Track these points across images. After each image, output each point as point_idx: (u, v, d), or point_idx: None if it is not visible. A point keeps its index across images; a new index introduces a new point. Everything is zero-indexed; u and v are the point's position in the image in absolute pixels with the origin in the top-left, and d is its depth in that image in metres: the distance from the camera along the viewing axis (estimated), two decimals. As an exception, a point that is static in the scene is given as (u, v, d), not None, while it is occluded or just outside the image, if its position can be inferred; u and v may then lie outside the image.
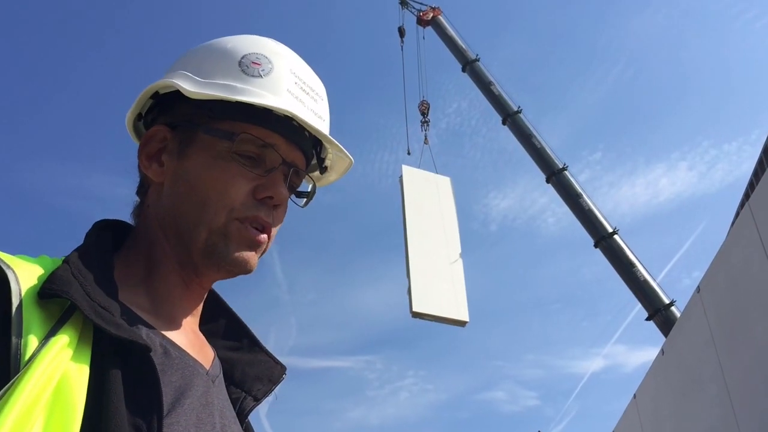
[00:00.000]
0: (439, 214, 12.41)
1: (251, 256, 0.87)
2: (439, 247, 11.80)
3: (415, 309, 10.53)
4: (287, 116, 0.89)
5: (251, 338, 0.98)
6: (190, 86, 0.88)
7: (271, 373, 0.95)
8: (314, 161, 1.00)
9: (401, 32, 17.87)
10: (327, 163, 1.01)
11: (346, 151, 0.97)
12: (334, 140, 0.93)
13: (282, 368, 0.97)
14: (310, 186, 1.02)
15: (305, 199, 1.00)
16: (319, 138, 0.93)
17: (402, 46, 17.79)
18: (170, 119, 0.91)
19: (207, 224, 0.85)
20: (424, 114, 16.94)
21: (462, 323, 11.03)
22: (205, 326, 0.96)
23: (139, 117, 0.96)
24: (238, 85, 0.88)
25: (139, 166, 0.93)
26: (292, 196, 0.96)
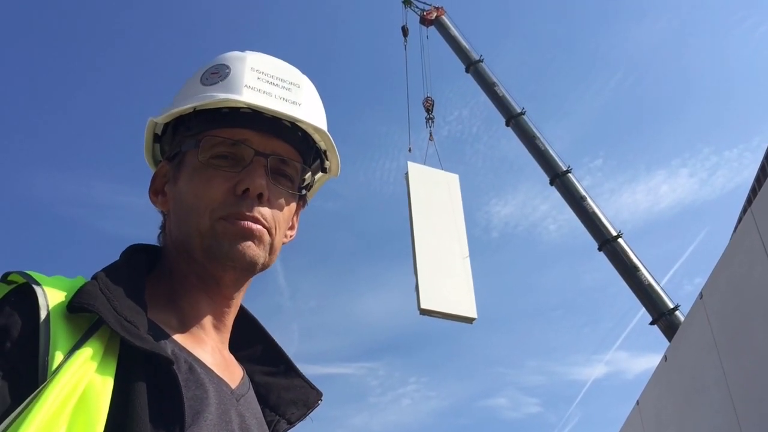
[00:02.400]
0: (446, 210, 12.24)
1: (247, 246, 0.88)
2: (446, 243, 11.65)
3: (423, 306, 10.39)
4: (257, 111, 0.91)
5: (288, 364, 1.00)
6: (159, 114, 0.94)
7: (306, 398, 0.98)
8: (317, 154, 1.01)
9: (404, 31, 17.77)
10: (323, 146, 1.02)
11: (316, 124, 0.97)
12: (301, 117, 0.94)
13: (318, 394, 0.99)
14: (317, 176, 1.04)
15: (308, 191, 1.02)
16: (286, 119, 0.94)
17: (405, 45, 17.71)
18: (169, 152, 0.97)
19: (197, 230, 0.88)
20: (428, 110, 16.77)
21: (470, 320, 10.89)
22: (242, 352, 0.98)
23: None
24: (196, 96, 0.92)
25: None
26: (299, 188, 0.97)
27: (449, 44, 15.52)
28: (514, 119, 12.83)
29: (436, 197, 12.35)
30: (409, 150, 16.16)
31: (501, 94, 13.35)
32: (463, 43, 15.08)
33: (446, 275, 11.07)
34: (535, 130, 12.54)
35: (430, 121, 16.61)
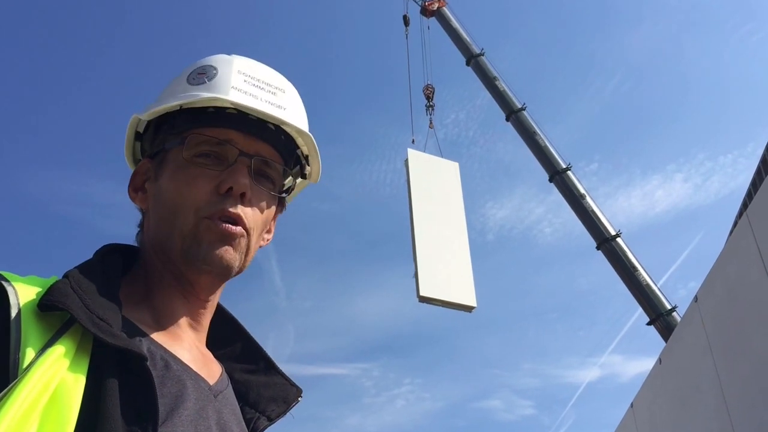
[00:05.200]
0: (446, 198, 12.03)
1: (225, 251, 0.89)
2: (446, 231, 11.46)
3: (422, 293, 10.23)
4: (242, 112, 0.92)
5: (267, 361, 1.01)
6: (143, 112, 0.94)
7: (286, 395, 0.98)
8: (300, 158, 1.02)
9: (406, 20, 17.60)
10: (305, 150, 1.02)
11: (299, 126, 0.97)
12: (284, 119, 0.95)
13: (297, 390, 0.99)
14: (297, 181, 1.05)
15: (288, 194, 1.02)
16: (269, 120, 0.95)
17: (406, 35, 17.56)
18: (151, 150, 0.97)
19: (179, 230, 0.88)
20: (429, 98, 16.65)
21: (469, 308, 10.76)
22: (222, 350, 0.99)
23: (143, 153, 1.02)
24: (182, 94, 0.92)
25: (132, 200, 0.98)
26: (279, 191, 0.98)
27: (450, 36, 15.42)
28: (514, 114, 12.75)
29: (435, 185, 12.13)
30: (413, 141, 15.98)
31: (502, 89, 13.27)
32: (464, 35, 14.99)
33: (446, 263, 10.90)
34: (535, 125, 12.50)
35: (430, 108, 16.45)
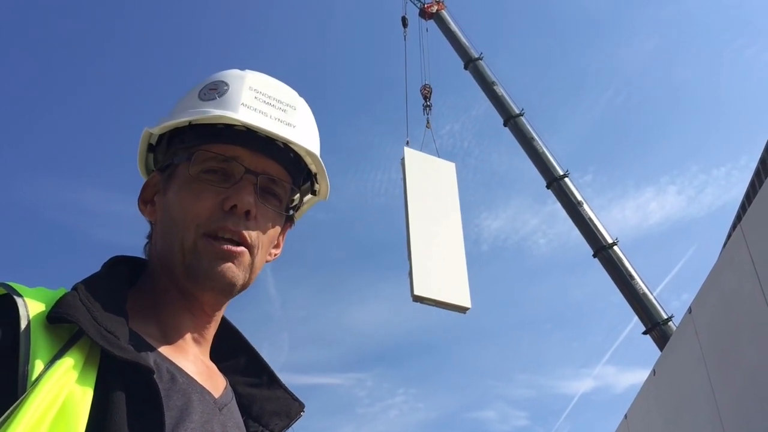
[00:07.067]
0: (442, 198, 12.00)
1: (227, 268, 0.88)
2: (441, 231, 11.42)
3: (416, 292, 10.16)
4: (251, 129, 0.92)
5: (270, 375, 1.01)
6: (155, 126, 0.95)
7: (288, 409, 0.99)
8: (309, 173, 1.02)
9: (404, 22, 17.53)
10: (314, 169, 1.03)
11: (308, 147, 0.97)
12: (293, 140, 0.95)
13: (300, 405, 1.00)
14: (306, 198, 1.05)
15: (296, 211, 1.03)
16: (276, 139, 0.94)
17: (405, 36, 17.48)
18: (163, 162, 0.97)
19: (181, 245, 0.88)
20: (426, 98, 16.52)
21: (463, 309, 10.73)
22: (225, 363, 0.99)
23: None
24: (193, 110, 0.93)
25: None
26: (287, 208, 0.98)
27: (448, 39, 15.36)
28: (512, 120, 12.68)
29: (432, 184, 12.06)
30: (407, 143, 15.94)
31: (500, 94, 13.18)
32: (463, 39, 14.94)
33: (440, 263, 10.82)
34: (533, 131, 12.43)
35: (427, 108, 16.37)
